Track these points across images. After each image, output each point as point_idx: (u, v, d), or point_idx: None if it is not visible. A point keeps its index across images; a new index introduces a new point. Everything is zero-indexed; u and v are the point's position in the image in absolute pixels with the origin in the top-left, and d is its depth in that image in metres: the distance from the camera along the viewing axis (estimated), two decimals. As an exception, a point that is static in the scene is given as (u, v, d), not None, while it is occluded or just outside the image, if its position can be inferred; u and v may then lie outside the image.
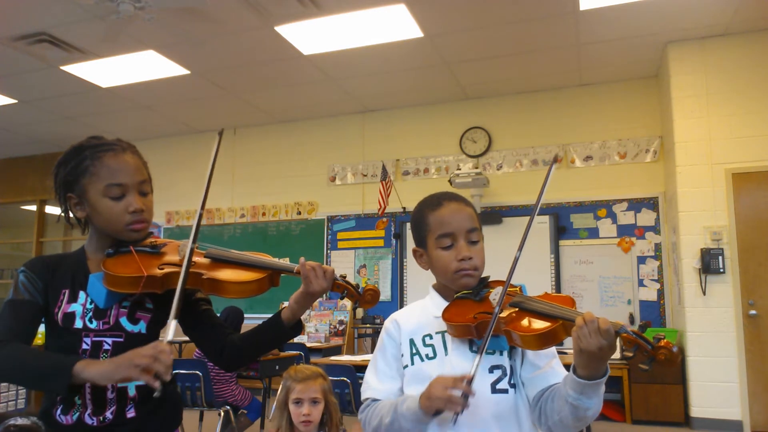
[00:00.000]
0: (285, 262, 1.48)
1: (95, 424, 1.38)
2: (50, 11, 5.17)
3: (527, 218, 7.03)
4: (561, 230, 6.74)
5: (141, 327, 1.44)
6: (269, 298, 6.80)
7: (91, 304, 1.42)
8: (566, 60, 6.27)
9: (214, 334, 1.52)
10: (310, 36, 5.67)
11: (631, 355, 1.18)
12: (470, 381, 1.22)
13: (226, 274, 1.42)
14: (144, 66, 6.32)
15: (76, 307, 1.42)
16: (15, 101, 7.31)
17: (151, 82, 6.76)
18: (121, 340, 1.42)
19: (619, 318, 6.10)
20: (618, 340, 1.18)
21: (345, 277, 1.44)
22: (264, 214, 8.17)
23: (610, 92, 6.79)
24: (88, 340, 1.40)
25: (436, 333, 1.44)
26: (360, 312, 7.41)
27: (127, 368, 1.23)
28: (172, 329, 1.29)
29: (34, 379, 1.34)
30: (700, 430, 5.33)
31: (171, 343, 1.27)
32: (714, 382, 5.36)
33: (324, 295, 1.43)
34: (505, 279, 1.37)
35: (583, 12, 5.25)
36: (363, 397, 1.51)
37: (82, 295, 1.43)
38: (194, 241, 1.41)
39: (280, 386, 2.36)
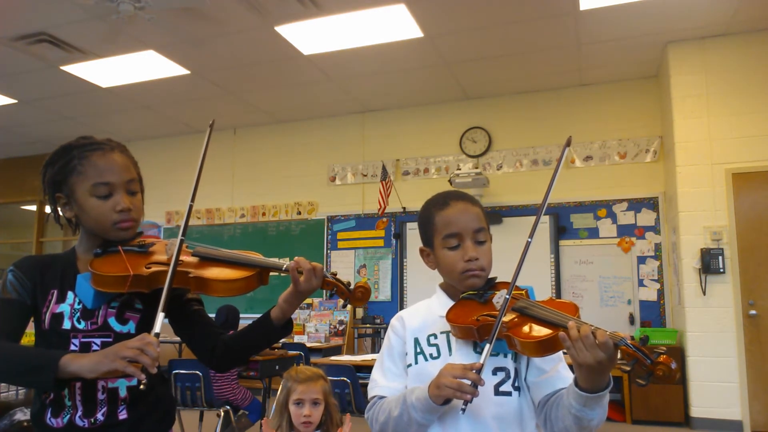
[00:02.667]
0: (274, 260, 1.46)
1: (86, 426, 1.36)
2: (50, 11, 5.17)
3: (528, 218, 7.01)
4: (561, 230, 6.74)
5: (130, 327, 1.43)
6: (269, 297, 6.81)
7: (79, 304, 1.41)
8: (566, 60, 6.27)
9: (206, 334, 1.51)
10: (310, 36, 5.67)
11: (628, 369, 1.14)
12: (479, 370, 1.21)
13: (213, 273, 1.40)
14: (144, 66, 6.32)
15: (65, 308, 1.41)
16: (15, 101, 7.31)
17: (151, 82, 6.76)
18: (110, 340, 1.40)
19: (619, 318, 6.08)
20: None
21: (335, 274, 1.42)
22: (264, 214, 8.17)
23: (610, 92, 6.79)
24: (76, 341, 1.39)
25: (441, 333, 1.43)
26: (360, 312, 7.41)
27: (113, 360, 1.21)
28: (159, 322, 1.28)
29: (20, 374, 1.32)
30: (700, 430, 5.33)
31: (158, 336, 1.25)
32: (714, 382, 5.36)
33: (325, 294, 1.42)
34: (511, 281, 1.36)
35: (583, 12, 5.25)
36: (370, 395, 1.50)
37: (70, 295, 1.42)
38: (184, 234, 1.39)
39: (281, 387, 2.35)
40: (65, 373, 1.25)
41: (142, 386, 1.21)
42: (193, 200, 1.42)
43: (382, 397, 1.45)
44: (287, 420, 2.21)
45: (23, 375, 1.32)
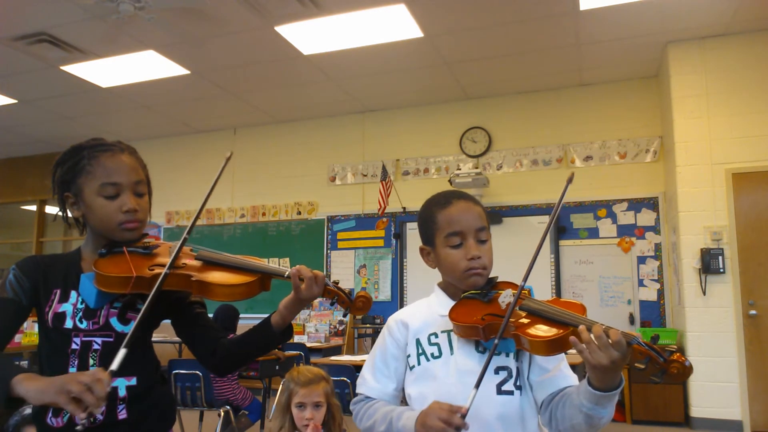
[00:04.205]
0: (276, 266, 1.47)
1: (86, 425, 1.37)
2: (50, 11, 5.16)
3: (528, 218, 6.99)
4: (561, 230, 6.74)
5: (131, 327, 1.42)
6: (269, 298, 6.80)
7: (81, 303, 1.42)
8: (566, 60, 6.27)
9: (207, 337, 1.52)
10: (310, 36, 5.66)
11: (642, 367, 1.14)
12: (464, 414, 1.22)
13: (216, 277, 1.41)
14: (144, 66, 6.32)
15: (67, 307, 1.42)
16: (15, 101, 7.31)
17: (151, 82, 6.76)
18: (111, 339, 1.41)
19: (619, 318, 6.07)
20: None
21: (337, 283, 1.42)
22: (264, 214, 8.17)
23: (610, 92, 6.79)
24: (77, 340, 1.40)
25: (442, 332, 1.44)
26: (360, 312, 7.40)
27: (57, 393, 1.16)
28: (119, 359, 1.22)
29: None
30: (700, 430, 5.33)
31: (113, 373, 1.20)
32: (714, 382, 5.36)
33: (325, 301, 1.41)
34: (514, 281, 1.37)
35: (583, 12, 5.25)
36: (357, 390, 1.52)
37: (73, 294, 1.43)
38: (176, 257, 1.39)
39: (281, 387, 2.35)
40: (15, 393, 1.22)
41: (80, 428, 1.15)
42: (197, 217, 1.44)
43: (368, 397, 1.49)
44: (290, 421, 2.21)
45: None
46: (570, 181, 1.46)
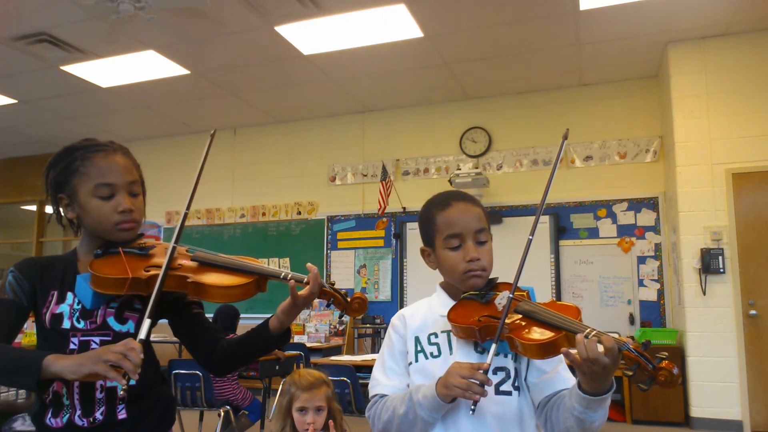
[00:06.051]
0: (273, 267, 1.47)
1: (86, 425, 1.37)
2: (50, 11, 5.16)
3: (528, 218, 6.99)
4: (561, 230, 6.74)
5: (129, 327, 1.44)
6: (270, 299, 6.80)
7: (78, 304, 1.42)
8: (566, 60, 6.27)
9: (205, 337, 1.52)
10: (310, 36, 5.66)
11: (631, 373, 1.15)
12: (486, 370, 1.23)
13: (211, 278, 1.41)
14: (144, 66, 6.32)
15: (64, 308, 1.42)
16: (15, 101, 7.31)
17: (151, 82, 6.76)
18: (109, 339, 1.41)
19: (619, 318, 6.05)
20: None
21: (333, 284, 1.42)
22: (264, 214, 8.17)
23: (610, 92, 6.79)
24: (75, 340, 1.40)
25: (442, 332, 1.44)
26: (360, 312, 7.40)
27: (94, 363, 1.21)
28: (145, 328, 1.29)
29: (3, 373, 1.32)
30: (700, 430, 5.33)
31: (143, 342, 1.26)
32: (714, 382, 5.36)
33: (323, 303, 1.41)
34: (512, 282, 1.36)
35: (583, 12, 5.25)
36: (371, 394, 1.50)
37: (69, 295, 1.43)
38: (177, 241, 1.41)
39: (281, 390, 2.34)
40: (48, 373, 1.25)
41: (122, 392, 1.21)
42: (188, 208, 1.44)
43: (383, 396, 1.46)
44: (290, 425, 2.20)
45: (6, 374, 1.32)
46: (565, 137, 1.44)
